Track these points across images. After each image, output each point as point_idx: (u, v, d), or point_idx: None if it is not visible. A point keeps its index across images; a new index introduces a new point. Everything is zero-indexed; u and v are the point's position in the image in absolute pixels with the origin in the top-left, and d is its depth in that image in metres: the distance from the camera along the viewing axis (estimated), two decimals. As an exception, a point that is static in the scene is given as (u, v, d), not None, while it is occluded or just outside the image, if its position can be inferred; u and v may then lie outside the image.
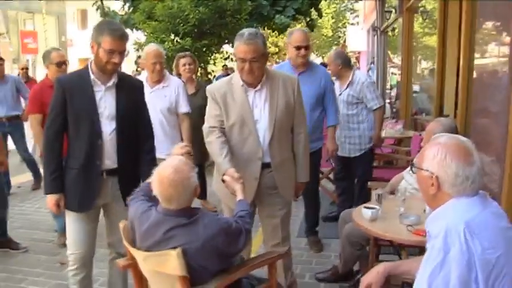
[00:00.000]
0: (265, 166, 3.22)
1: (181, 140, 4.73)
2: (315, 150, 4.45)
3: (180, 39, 8.55)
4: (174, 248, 2.25)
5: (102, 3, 9.40)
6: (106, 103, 3.11)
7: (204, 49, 8.72)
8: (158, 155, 3.42)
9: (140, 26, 8.99)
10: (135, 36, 9.39)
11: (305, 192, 4.25)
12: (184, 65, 5.69)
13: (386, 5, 10.82)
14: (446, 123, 3.75)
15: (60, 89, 3.08)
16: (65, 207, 3.18)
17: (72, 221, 3.22)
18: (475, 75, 4.57)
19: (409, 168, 3.76)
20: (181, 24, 8.29)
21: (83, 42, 12.75)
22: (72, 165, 3.13)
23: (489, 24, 4.57)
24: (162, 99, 4.74)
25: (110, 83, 3.13)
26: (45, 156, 3.15)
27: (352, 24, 31.77)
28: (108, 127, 3.11)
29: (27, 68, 8.68)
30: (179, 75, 5.67)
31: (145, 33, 8.88)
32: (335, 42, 36.92)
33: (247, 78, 3.13)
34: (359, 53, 24.29)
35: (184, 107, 4.87)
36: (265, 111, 3.18)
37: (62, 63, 4.72)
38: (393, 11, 9.48)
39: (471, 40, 4.46)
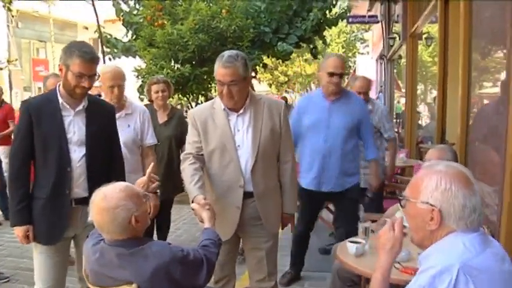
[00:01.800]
0: (248, 195, 3.03)
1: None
2: (351, 186, 4.21)
3: (180, 66, 8.45)
4: (119, 281, 2.06)
5: (99, 30, 9.35)
6: (75, 128, 2.96)
7: (205, 76, 8.60)
8: None
9: (141, 53, 8.92)
10: (136, 63, 9.31)
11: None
12: (157, 92, 5.04)
13: (391, 32, 10.71)
14: (451, 151, 3.56)
15: (26, 112, 2.93)
16: (33, 239, 2.99)
17: (39, 253, 3.04)
18: (473, 102, 4.38)
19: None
20: (181, 51, 8.19)
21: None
22: (39, 195, 2.96)
23: (486, 49, 4.38)
24: (125, 130, 3.86)
25: (80, 107, 2.98)
26: (11, 186, 2.99)
27: (361, 53, 31.77)
28: (77, 153, 2.95)
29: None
30: (151, 101, 5.18)
31: (145, 61, 8.79)
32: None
33: (227, 102, 2.97)
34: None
35: (151, 138, 4.10)
36: (248, 136, 3.01)
37: None
38: (397, 37, 9.35)
39: (469, 66, 4.28)
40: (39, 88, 22.97)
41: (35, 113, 2.92)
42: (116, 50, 10.17)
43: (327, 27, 10.27)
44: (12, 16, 24.02)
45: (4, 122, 7.57)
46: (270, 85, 35.90)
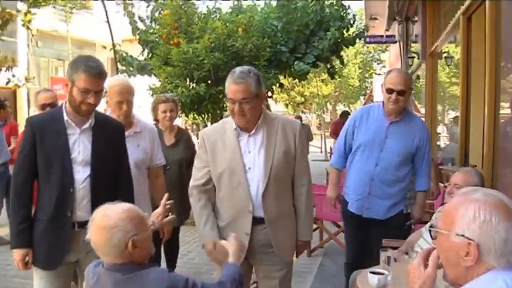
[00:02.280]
0: (258, 221, 2.84)
1: (152, 199, 3.70)
2: (397, 213, 3.86)
3: (195, 84, 8.35)
4: None
5: (114, 48, 9.32)
6: (80, 147, 2.81)
7: (220, 95, 8.48)
8: None
9: (156, 72, 8.85)
10: (151, 82, 9.24)
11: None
12: (164, 111, 4.64)
13: (409, 52, 10.52)
14: (478, 175, 3.36)
15: (30, 130, 2.80)
16: (32, 263, 2.83)
17: (39, 278, 2.88)
18: (501, 122, 4.15)
19: (426, 230, 3.32)
20: (196, 70, 8.09)
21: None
22: (40, 217, 2.81)
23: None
24: (135, 150, 3.50)
25: (86, 125, 2.84)
26: (13, 205, 2.84)
27: (378, 74, 31.55)
28: (81, 174, 2.80)
29: None
30: (157, 121, 4.75)
31: (160, 79, 8.71)
32: (362, 92, 36.68)
33: (239, 121, 2.81)
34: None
35: (161, 158, 3.79)
36: (260, 158, 2.83)
37: (46, 106, 4.25)
38: (416, 56, 9.15)
39: (496, 86, 4.06)
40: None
41: (39, 130, 2.79)
42: (131, 69, 10.13)
43: (344, 46, 10.13)
44: (33, 35, 24.34)
45: (9, 138, 7.52)
46: (287, 105, 35.78)
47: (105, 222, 1.93)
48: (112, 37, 9.62)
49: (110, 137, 2.92)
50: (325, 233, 6.42)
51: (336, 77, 11.53)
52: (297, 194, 2.96)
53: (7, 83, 14.10)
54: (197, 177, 2.96)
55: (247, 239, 2.82)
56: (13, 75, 14.56)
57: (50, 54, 26.10)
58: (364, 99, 31.98)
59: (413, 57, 9.29)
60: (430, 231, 1.70)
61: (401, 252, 3.23)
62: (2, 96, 6.96)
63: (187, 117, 9.90)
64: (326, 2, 9.76)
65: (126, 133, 3.34)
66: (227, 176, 2.83)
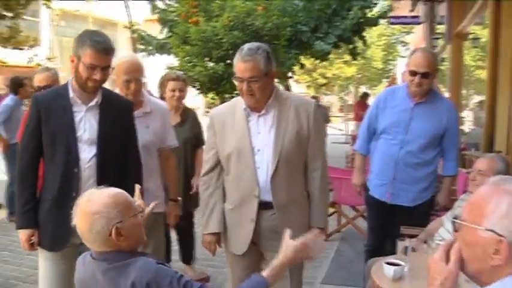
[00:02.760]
0: (265, 206, 2.69)
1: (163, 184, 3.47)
2: (425, 200, 3.67)
3: (213, 63, 8.23)
4: None
5: (131, 26, 9.22)
6: (86, 125, 2.70)
7: (239, 75, 8.37)
8: None
9: (175, 50, 8.75)
10: (171, 61, 9.15)
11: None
12: (173, 90, 4.21)
13: (434, 33, 10.21)
14: (503, 161, 3.18)
15: (35, 107, 2.70)
16: (38, 244, 2.76)
17: (44, 259, 2.80)
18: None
19: (447, 219, 3.15)
20: (215, 49, 7.97)
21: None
22: (45, 196, 2.72)
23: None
24: (144, 131, 3.21)
25: (93, 103, 2.72)
26: (18, 186, 2.76)
27: (403, 56, 31.00)
28: (86, 153, 2.69)
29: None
30: (163, 98, 4.25)
31: (178, 58, 8.62)
32: (385, 75, 36.17)
33: (248, 101, 2.66)
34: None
35: (173, 140, 3.49)
36: (270, 139, 2.68)
37: (41, 88, 3.89)
38: (441, 37, 8.85)
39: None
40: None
41: (44, 108, 2.69)
42: (150, 48, 10.06)
43: (367, 27, 9.88)
44: (56, 15, 24.45)
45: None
46: (309, 87, 35.49)
47: (88, 208, 1.80)
48: (129, 15, 9.52)
49: (117, 115, 2.80)
50: (343, 217, 6.28)
51: (359, 58, 11.31)
52: (311, 178, 2.81)
53: (29, 61, 14.17)
54: (205, 159, 2.85)
55: (252, 225, 2.70)
56: (35, 55, 14.63)
57: (72, 33, 26.11)
58: (387, 81, 31.56)
59: (439, 39, 8.99)
60: (453, 222, 1.53)
61: (420, 241, 3.09)
62: (23, 75, 6.88)
63: (206, 96, 9.80)
64: (349, -19, 9.52)
65: (135, 113, 3.14)
66: (235, 158, 2.70)
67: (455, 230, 1.49)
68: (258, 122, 2.72)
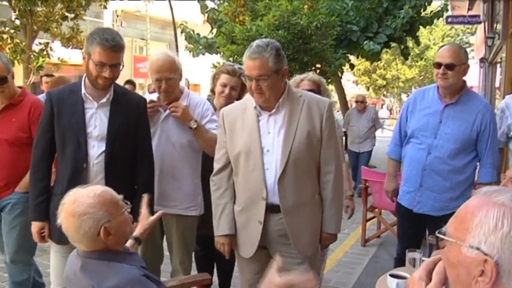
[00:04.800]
0: (273, 209, 2.60)
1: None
2: (455, 211, 3.35)
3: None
4: None
5: (174, 26, 9.31)
6: (96, 122, 2.72)
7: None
8: (167, 209, 2.87)
9: (221, 50, 8.77)
10: (215, 59, 9.19)
11: None
12: (224, 85, 3.50)
13: (491, 32, 9.71)
14: None
15: (48, 103, 2.75)
16: (48, 237, 2.81)
17: (54, 252, 2.87)
18: None
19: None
20: (260, 48, 7.91)
21: (193, 69, 12.84)
22: (56, 191, 2.76)
23: None
24: (178, 128, 3.12)
25: (104, 100, 2.74)
26: (31, 180, 2.83)
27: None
28: (96, 149, 2.71)
29: None
30: (213, 92, 3.70)
31: (223, 57, 8.63)
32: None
33: (257, 99, 2.59)
34: (471, 88, 22.56)
35: (215, 129, 3.12)
36: (279, 139, 2.59)
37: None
38: (496, 37, 8.39)
39: None
40: (140, 84, 23.87)
41: (57, 104, 2.73)
42: (200, 47, 10.14)
43: (421, 26, 9.53)
44: (117, 16, 25.24)
45: None
46: (368, 88, 34.86)
47: (74, 209, 1.76)
48: (173, 14, 9.63)
49: (129, 112, 2.80)
50: (382, 223, 6.07)
51: (417, 59, 10.96)
52: (323, 181, 2.69)
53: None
54: (216, 159, 2.79)
55: (260, 228, 2.61)
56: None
57: (133, 33, 26.94)
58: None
59: (493, 38, 8.53)
60: (436, 237, 1.37)
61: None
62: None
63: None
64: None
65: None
66: (244, 158, 2.63)
67: (440, 247, 1.33)
68: (269, 121, 2.63)
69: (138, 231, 2.24)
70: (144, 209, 2.28)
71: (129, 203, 1.91)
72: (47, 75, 6.70)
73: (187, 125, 3.07)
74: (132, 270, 1.77)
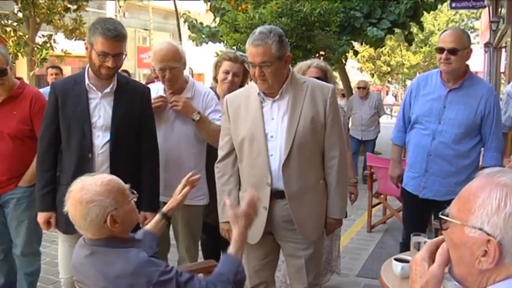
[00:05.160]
0: (278, 195, 2.62)
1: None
2: None
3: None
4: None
5: (177, 15, 9.29)
6: (101, 112, 2.74)
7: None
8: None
9: (224, 38, 8.75)
10: (218, 48, 9.17)
11: None
12: (226, 72, 3.51)
13: (495, 16, 9.62)
14: None
15: (53, 94, 2.77)
16: (55, 226, 2.83)
17: (62, 241, 2.91)
18: None
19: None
20: (263, 36, 7.89)
21: (196, 58, 12.79)
22: (62, 181, 2.78)
23: None
24: (183, 119, 3.16)
25: (107, 89, 2.75)
26: (37, 170, 2.85)
27: (471, 43, 29.59)
28: (100, 139, 2.73)
29: None
30: (215, 80, 3.72)
31: (226, 45, 8.61)
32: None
33: (261, 86, 2.59)
34: (476, 73, 22.45)
35: (218, 120, 3.14)
36: (283, 125, 2.59)
37: None
38: (500, 21, 8.32)
39: None
40: (144, 74, 23.87)
41: (61, 94, 2.75)
42: (203, 36, 10.12)
43: (424, 11, 9.46)
44: (120, 6, 25.17)
45: None
46: (372, 75, 34.70)
47: (82, 196, 1.79)
48: (175, 4, 9.60)
49: (132, 101, 2.81)
50: (388, 209, 6.08)
51: (422, 45, 10.91)
52: (327, 167, 2.70)
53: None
54: (220, 146, 2.80)
55: (265, 214, 2.62)
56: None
57: (136, 24, 26.88)
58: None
59: (498, 22, 8.45)
60: (439, 218, 1.35)
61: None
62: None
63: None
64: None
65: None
66: (248, 144, 2.64)
67: (443, 229, 1.32)
68: (272, 107, 2.64)
69: (166, 207, 2.33)
70: (180, 185, 2.35)
71: (135, 192, 1.93)
72: (53, 67, 6.71)
73: (190, 117, 3.08)
74: (140, 253, 1.80)
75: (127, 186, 1.90)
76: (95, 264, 1.80)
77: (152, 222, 2.31)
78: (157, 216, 2.31)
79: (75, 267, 1.93)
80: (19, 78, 3.33)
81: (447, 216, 1.29)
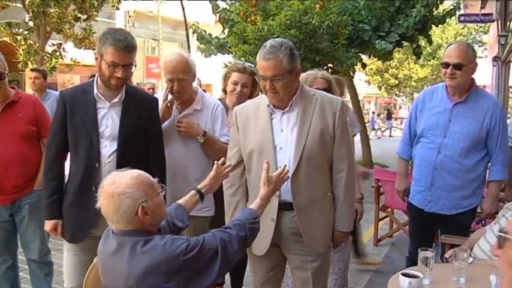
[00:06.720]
0: (286, 207, 2.61)
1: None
2: (467, 209, 3.39)
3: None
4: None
5: (186, 26, 9.35)
6: (108, 121, 2.75)
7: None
8: None
9: (232, 50, 8.79)
10: (227, 59, 9.20)
11: None
12: (235, 83, 3.54)
13: (503, 30, 9.61)
14: None
15: (61, 103, 2.78)
16: (61, 235, 2.84)
17: (67, 250, 2.90)
18: None
19: (490, 229, 2.90)
20: (271, 48, 7.91)
21: (204, 68, 12.86)
22: (68, 190, 2.81)
23: None
24: None
25: (116, 99, 2.77)
26: (44, 179, 2.86)
27: (479, 57, 29.55)
28: (108, 149, 2.74)
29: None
30: (225, 92, 3.74)
31: (235, 57, 8.65)
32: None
33: (271, 99, 2.60)
34: (484, 87, 22.35)
35: (225, 135, 3.22)
36: (292, 137, 2.60)
37: None
38: (509, 35, 8.30)
39: None
40: (152, 84, 24.04)
41: (70, 103, 2.76)
42: (212, 47, 10.16)
43: (433, 25, 9.47)
44: (130, 16, 25.37)
45: None
46: (380, 88, 34.71)
47: (114, 190, 1.89)
48: (184, 15, 9.66)
49: (140, 111, 2.82)
50: (394, 222, 6.04)
51: (429, 59, 10.90)
52: (336, 179, 2.70)
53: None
54: (228, 157, 2.79)
55: (273, 226, 2.62)
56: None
57: (145, 34, 27.08)
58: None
59: (507, 36, 8.44)
60: (499, 236, 1.31)
61: (462, 252, 2.85)
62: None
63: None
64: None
65: (186, 111, 3.20)
66: (257, 156, 2.64)
67: (500, 247, 1.28)
68: (282, 119, 2.65)
69: (201, 184, 2.44)
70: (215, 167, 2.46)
71: (164, 185, 2.03)
72: (33, 70, 6.69)
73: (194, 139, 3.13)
74: (164, 237, 1.89)
75: (155, 180, 1.99)
76: (122, 255, 1.86)
77: (186, 197, 2.40)
78: (192, 192, 2.40)
79: (103, 260, 1.99)
80: (12, 87, 3.37)
81: (506, 233, 1.26)
